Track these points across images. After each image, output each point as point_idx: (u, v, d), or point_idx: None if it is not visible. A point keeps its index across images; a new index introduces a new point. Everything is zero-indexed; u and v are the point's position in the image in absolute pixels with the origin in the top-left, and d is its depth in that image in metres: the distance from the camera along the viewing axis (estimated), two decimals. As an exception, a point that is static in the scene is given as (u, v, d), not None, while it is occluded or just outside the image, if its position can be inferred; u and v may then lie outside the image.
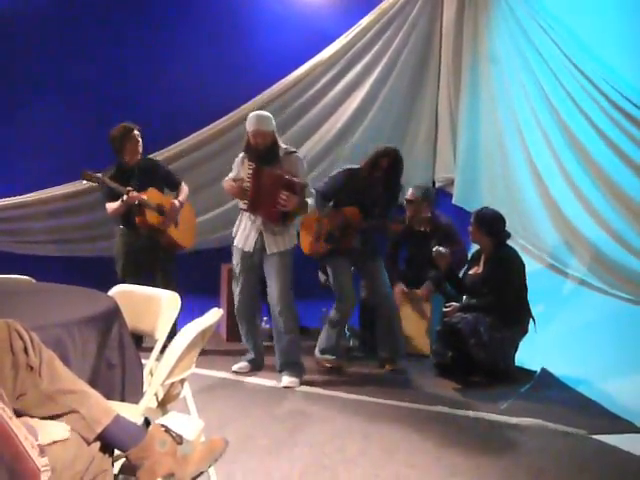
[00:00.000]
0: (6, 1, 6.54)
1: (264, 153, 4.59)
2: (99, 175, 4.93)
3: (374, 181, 4.93)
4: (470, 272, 5.00)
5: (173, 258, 5.33)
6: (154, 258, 5.18)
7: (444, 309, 4.88)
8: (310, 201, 4.73)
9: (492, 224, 4.90)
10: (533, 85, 5.96)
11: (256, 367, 4.93)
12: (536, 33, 5.86)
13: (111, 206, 5.06)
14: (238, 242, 4.80)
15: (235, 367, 4.91)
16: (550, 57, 5.70)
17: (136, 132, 5.10)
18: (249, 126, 4.62)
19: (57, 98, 6.68)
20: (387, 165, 4.90)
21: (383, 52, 6.98)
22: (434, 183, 7.11)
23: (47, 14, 6.61)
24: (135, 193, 4.92)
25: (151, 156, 5.62)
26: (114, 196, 4.99)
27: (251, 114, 4.70)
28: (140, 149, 5.16)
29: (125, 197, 4.90)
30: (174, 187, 5.34)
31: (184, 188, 5.36)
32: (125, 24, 6.70)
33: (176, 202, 5.21)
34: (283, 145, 4.74)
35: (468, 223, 5.04)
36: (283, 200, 4.51)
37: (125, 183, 4.99)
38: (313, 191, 4.88)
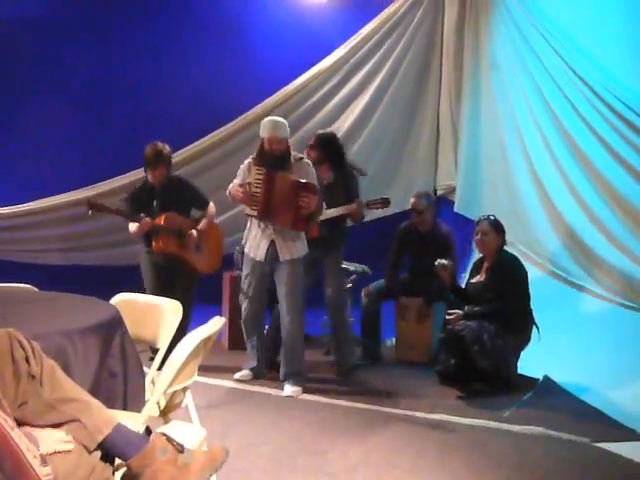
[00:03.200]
0: (7, 5, 6.56)
1: (278, 159, 4.54)
2: (103, 204, 4.85)
3: (318, 168, 4.96)
4: (473, 280, 4.99)
5: (194, 281, 5.15)
6: (175, 279, 5.00)
7: (447, 316, 4.87)
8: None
9: (504, 231, 4.93)
10: (534, 92, 5.97)
11: (258, 375, 4.92)
12: (537, 40, 5.88)
13: (130, 227, 4.94)
14: (249, 251, 4.75)
15: (237, 375, 4.89)
16: (551, 64, 5.72)
17: (164, 156, 4.89)
18: (265, 132, 4.54)
19: (62, 106, 6.71)
20: (310, 149, 5.08)
21: (385, 60, 7.02)
22: (435, 191, 7.12)
23: (49, 20, 6.64)
24: (148, 220, 4.79)
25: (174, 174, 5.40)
26: (133, 213, 4.87)
27: (266, 120, 4.63)
28: (165, 173, 4.96)
29: (138, 225, 4.79)
30: (201, 208, 5.16)
31: (210, 210, 5.17)
32: (130, 32, 6.73)
33: (194, 232, 5.02)
34: (292, 152, 4.71)
35: (470, 230, 5.03)
36: (305, 202, 4.46)
37: (148, 202, 4.90)
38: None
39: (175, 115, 6.60)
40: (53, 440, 1.77)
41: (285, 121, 4.63)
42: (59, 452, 1.75)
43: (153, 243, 4.91)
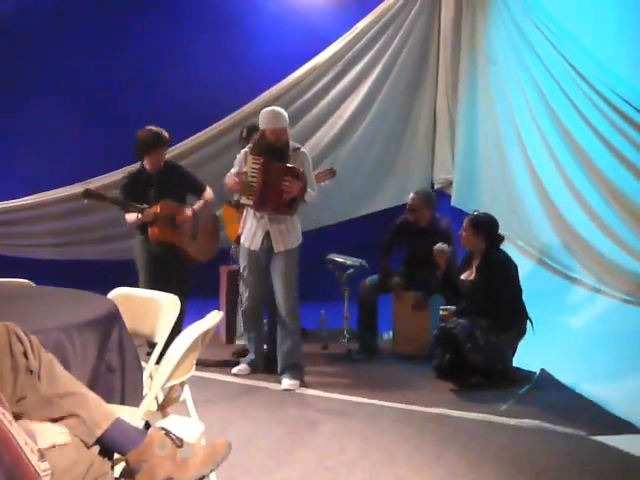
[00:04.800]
0: (7, 3, 6.54)
1: (278, 150, 4.54)
2: (99, 193, 4.80)
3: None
4: (462, 277, 4.99)
5: (189, 271, 5.11)
6: (170, 267, 4.97)
7: (440, 313, 4.87)
8: (313, 193, 4.68)
9: (490, 228, 4.90)
10: (531, 86, 5.96)
11: (256, 369, 4.92)
12: (534, 34, 5.86)
13: (128, 217, 4.92)
14: (244, 241, 4.74)
15: (235, 370, 4.89)
16: (547, 58, 5.71)
17: (163, 138, 4.90)
18: (268, 123, 4.52)
19: (57, 100, 6.69)
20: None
21: (381, 54, 7.00)
22: (432, 185, 7.11)
23: (48, 18, 6.62)
24: (150, 210, 4.78)
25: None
26: (129, 203, 4.85)
27: (266, 110, 4.61)
28: (163, 158, 4.97)
29: (142, 216, 4.77)
30: (198, 193, 5.11)
31: (206, 195, 5.12)
32: (126, 27, 6.71)
33: (188, 212, 4.99)
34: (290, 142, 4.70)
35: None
36: (287, 186, 4.45)
37: (145, 190, 4.87)
38: (315, 185, 4.80)
39: (171, 110, 6.56)
40: (51, 433, 1.77)
41: (281, 110, 4.62)
42: (57, 445, 1.75)
43: (149, 231, 4.86)
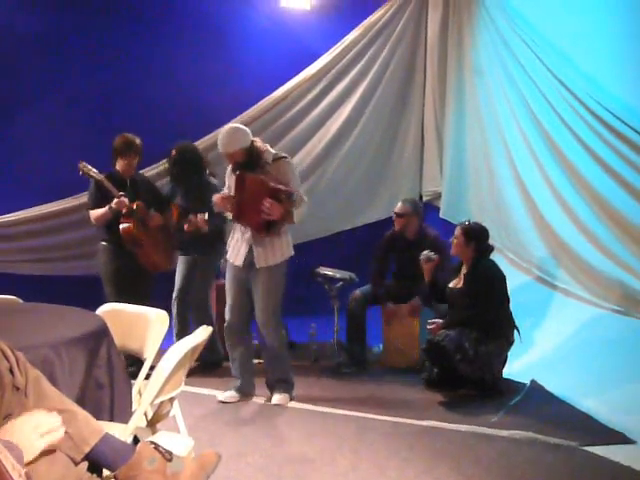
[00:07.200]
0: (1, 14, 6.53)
1: (242, 165, 4.44)
2: (96, 171, 4.81)
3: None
4: (450, 285, 4.99)
5: (150, 280, 5.17)
6: (137, 277, 5.00)
7: (428, 326, 4.87)
8: (304, 208, 4.57)
9: (481, 237, 4.91)
10: (517, 98, 6.00)
11: (245, 394, 4.68)
12: (519, 47, 5.91)
13: (96, 213, 4.94)
14: (230, 256, 4.67)
15: (222, 397, 4.63)
16: (533, 70, 5.75)
17: (136, 146, 5.02)
18: (219, 147, 4.47)
19: (37, 118, 6.65)
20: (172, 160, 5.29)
21: (369, 67, 7.02)
22: (421, 197, 7.13)
23: (39, 29, 6.60)
24: (126, 200, 4.82)
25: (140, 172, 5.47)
26: (101, 202, 4.89)
27: (220, 133, 4.54)
28: (135, 164, 5.07)
29: (115, 201, 4.79)
30: (161, 210, 5.19)
31: (167, 215, 5.23)
32: (112, 43, 6.71)
33: (159, 219, 5.13)
34: (272, 150, 4.58)
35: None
36: (267, 208, 4.34)
37: (118, 190, 4.87)
38: (305, 199, 4.64)
39: (161, 124, 6.55)
40: (43, 423, 1.74)
41: (237, 132, 4.47)
42: (44, 456, 1.73)
43: (122, 227, 4.84)
